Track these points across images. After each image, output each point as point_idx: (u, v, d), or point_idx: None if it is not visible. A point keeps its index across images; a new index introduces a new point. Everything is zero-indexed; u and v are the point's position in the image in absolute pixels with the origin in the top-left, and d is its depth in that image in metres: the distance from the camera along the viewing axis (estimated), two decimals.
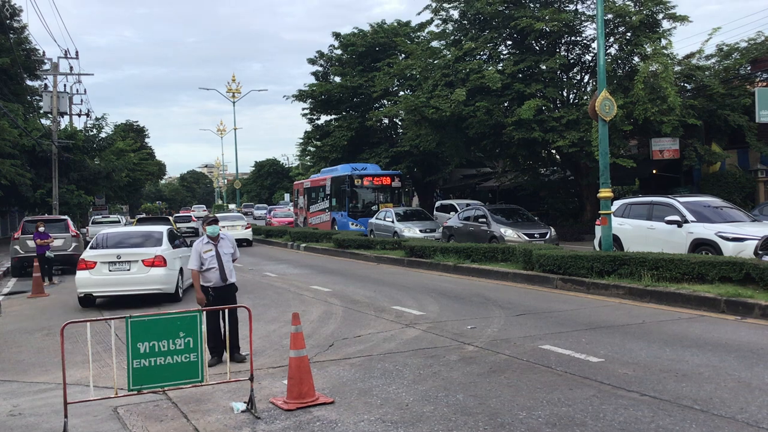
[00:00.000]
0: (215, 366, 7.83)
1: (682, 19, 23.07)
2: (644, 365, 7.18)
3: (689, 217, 13.92)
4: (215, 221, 8.48)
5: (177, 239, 15.60)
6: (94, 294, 13.51)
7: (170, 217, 34.76)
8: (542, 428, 5.39)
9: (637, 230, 15.15)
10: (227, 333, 7.39)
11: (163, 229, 15.14)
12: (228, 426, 5.82)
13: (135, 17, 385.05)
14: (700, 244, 13.36)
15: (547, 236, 19.61)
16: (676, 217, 14.05)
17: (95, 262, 13.32)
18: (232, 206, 79.66)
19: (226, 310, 7.79)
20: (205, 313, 7.11)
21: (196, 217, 48.10)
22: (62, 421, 5.65)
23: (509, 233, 19.39)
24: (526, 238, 18.96)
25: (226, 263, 8.23)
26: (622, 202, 16.30)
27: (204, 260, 8.20)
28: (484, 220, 20.45)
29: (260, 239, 34.36)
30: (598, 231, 15.35)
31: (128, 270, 13.32)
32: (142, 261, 13.34)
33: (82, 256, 13.79)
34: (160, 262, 13.43)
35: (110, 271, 13.31)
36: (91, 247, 13.98)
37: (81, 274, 13.33)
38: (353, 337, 9.35)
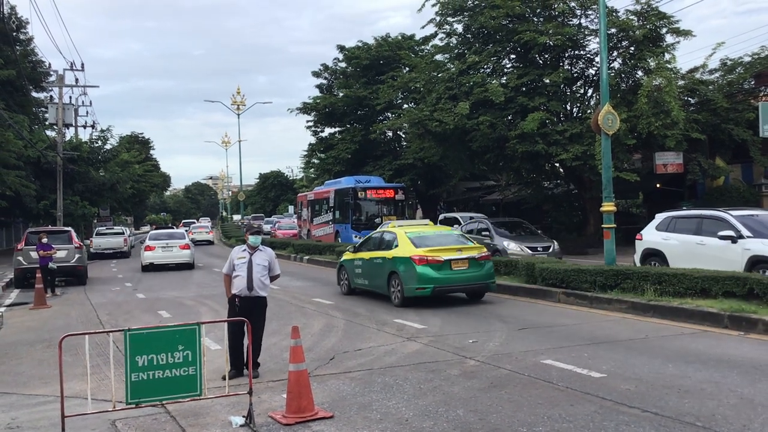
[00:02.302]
0: (234, 378, 7.54)
1: (686, 33, 23.13)
2: (646, 381, 7.13)
3: (744, 232, 12.68)
4: (258, 232, 8.42)
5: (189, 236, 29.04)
6: (154, 263, 25.30)
7: (174, 226, 47.17)
8: None
9: (685, 246, 13.89)
10: (248, 346, 7.25)
11: (183, 230, 33.00)
12: None
13: (143, 30, 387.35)
14: (758, 262, 12.17)
15: (550, 249, 19.55)
16: (730, 232, 12.80)
17: (155, 246, 25.59)
18: (236, 217, 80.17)
19: (247, 323, 7.75)
20: (227, 323, 7.60)
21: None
22: None
23: (512, 246, 19.36)
24: (529, 252, 18.92)
25: (255, 273, 8.08)
26: (666, 215, 15.12)
27: (235, 266, 8.16)
28: (487, 233, 20.41)
29: None
30: (639, 246, 14.83)
31: (171, 251, 25.69)
32: (179, 246, 25.94)
33: (146, 243, 26.14)
34: (188, 246, 26.36)
35: (162, 251, 25.57)
36: (149, 239, 26.29)
37: (147, 253, 25.44)
38: (354, 351, 9.31)
